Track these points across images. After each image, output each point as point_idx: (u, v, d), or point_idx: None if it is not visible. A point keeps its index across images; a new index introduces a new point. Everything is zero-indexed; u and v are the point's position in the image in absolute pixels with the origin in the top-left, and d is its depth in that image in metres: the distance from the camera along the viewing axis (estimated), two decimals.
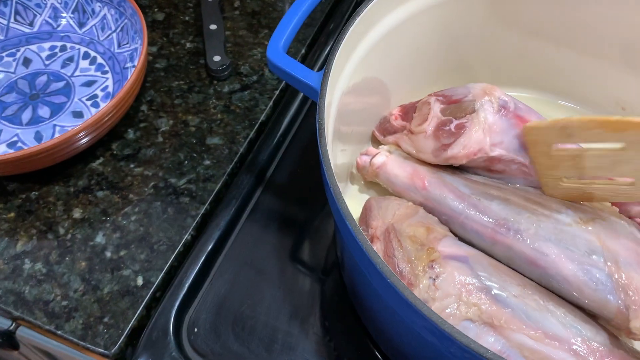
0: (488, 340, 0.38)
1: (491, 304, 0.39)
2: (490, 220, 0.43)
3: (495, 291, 0.40)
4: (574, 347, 0.38)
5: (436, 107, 0.48)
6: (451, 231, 0.45)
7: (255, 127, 0.58)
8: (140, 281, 0.48)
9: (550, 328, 0.39)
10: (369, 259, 0.32)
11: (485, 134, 0.45)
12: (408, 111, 0.52)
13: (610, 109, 0.56)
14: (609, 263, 0.40)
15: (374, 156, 0.50)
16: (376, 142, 0.55)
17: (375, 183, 0.51)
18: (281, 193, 0.55)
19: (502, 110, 0.46)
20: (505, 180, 0.47)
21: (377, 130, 0.53)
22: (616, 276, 0.40)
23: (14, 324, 0.61)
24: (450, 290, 0.40)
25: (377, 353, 0.46)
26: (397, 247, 0.43)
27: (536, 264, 0.42)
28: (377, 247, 0.44)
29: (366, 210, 0.48)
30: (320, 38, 0.67)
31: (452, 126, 0.47)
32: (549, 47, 0.55)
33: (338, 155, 0.47)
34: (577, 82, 0.57)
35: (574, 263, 0.41)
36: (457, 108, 0.47)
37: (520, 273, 0.42)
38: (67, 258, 0.50)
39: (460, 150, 0.46)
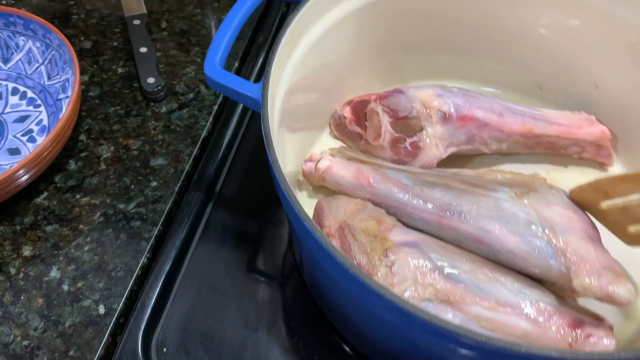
0: (447, 317, 0.41)
1: (445, 282, 0.42)
2: (435, 207, 0.46)
3: (447, 270, 0.43)
4: (525, 310, 0.41)
5: (386, 121, 0.52)
6: (401, 220, 0.48)
7: (198, 144, 0.59)
8: (102, 309, 0.48)
9: (501, 297, 0.42)
10: (329, 253, 0.34)
11: (438, 146, 0.51)
12: (359, 114, 0.55)
13: (530, 91, 0.60)
14: (546, 231, 0.44)
15: (318, 161, 0.52)
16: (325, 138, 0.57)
17: (322, 187, 0.53)
18: (232, 205, 0.56)
19: (445, 119, 0.50)
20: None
21: (334, 127, 0.56)
22: (554, 242, 0.43)
23: None
24: (406, 274, 0.42)
25: (344, 346, 0.48)
26: (352, 241, 0.44)
27: (482, 241, 0.45)
28: (334, 244, 0.46)
29: (318, 211, 0.49)
30: (252, 51, 0.68)
31: (407, 145, 0.52)
32: (469, 41, 0.58)
33: (285, 164, 0.48)
34: (498, 70, 0.61)
35: (515, 236, 0.44)
36: (406, 126, 0.52)
37: (470, 251, 0.45)
38: (22, 297, 0.49)
39: (420, 165, 0.52)
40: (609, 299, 0.42)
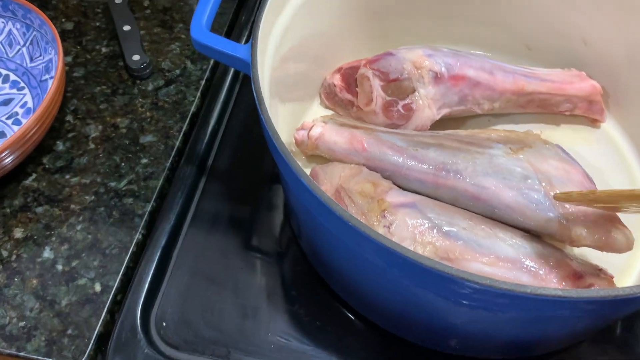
0: None
1: (444, 239, 0.42)
2: (430, 166, 0.45)
3: (445, 228, 0.42)
4: (525, 264, 0.41)
5: (377, 85, 0.51)
6: (396, 183, 0.47)
7: (187, 120, 0.58)
8: (98, 287, 0.48)
9: (501, 252, 0.42)
10: (328, 208, 0.33)
11: (431, 107, 0.51)
12: (349, 81, 0.54)
13: (519, 51, 0.60)
14: (543, 184, 0.43)
15: (310, 129, 0.51)
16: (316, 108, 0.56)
17: (316, 156, 0.53)
18: (226, 179, 0.55)
19: (437, 79, 0.49)
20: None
21: (324, 96, 0.55)
22: (552, 194, 0.43)
23: None
24: (405, 234, 0.42)
25: (346, 311, 0.47)
26: (350, 203, 0.44)
27: (479, 198, 0.44)
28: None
29: (313, 178, 0.49)
30: (241, 14, 0.67)
31: (400, 107, 0.51)
32: (457, 4, 0.58)
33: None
34: (487, 32, 0.60)
35: (512, 190, 0.44)
36: (398, 88, 0.51)
37: (465, 207, 0.45)
38: (15, 279, 0.48)
39: (414, 128, 0.51)
40: (607, 247, 0.42)
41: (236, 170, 0.56)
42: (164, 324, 0.46)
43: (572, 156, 0.46)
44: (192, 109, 0.59)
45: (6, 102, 0.58)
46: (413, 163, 0.46)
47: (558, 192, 0.43)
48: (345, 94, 0.54)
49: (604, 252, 0.46)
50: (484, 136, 0.48)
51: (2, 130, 0.56)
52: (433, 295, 0.37)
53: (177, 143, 0.56)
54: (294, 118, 0.55)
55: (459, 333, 0.42)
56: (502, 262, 0.41)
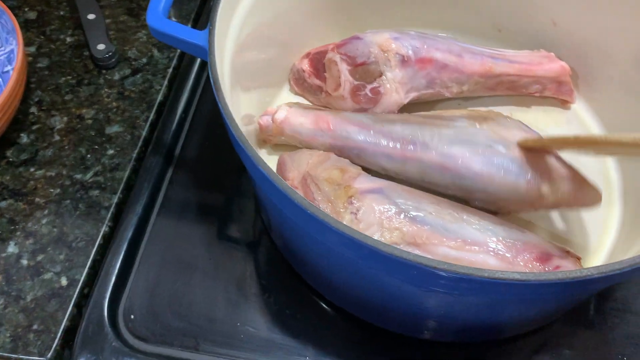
0: None
1: (411, 224, 0.41)
2: (397, 141, 0.45)
3: (412, 213, 0.42)
4: (492, 247, 0.41)
5: (344, 69, 0.50)
6: (364, 163, 0.47)
7: (154, 109, 0.57)
8: (64, 281, 0.47)
9: (468, 235, 0.42)
10: (291, 200, 0.33)
11: (399, 91, 0.50)
12: (317, 66, 0.53)
13: (489, 33, 0.60)
14: (510, 149, 0.43)
15: (275, 113, 0.50)
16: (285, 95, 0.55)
17: (282, 146, 0.52)
18: (193, 169, 0.54)
19: (404, 62, 0.49)
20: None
21: (293, 82, 0.54)
22: (519, 158, 0.43)
23: None
24: (372, 220, 0.42)
25: (317, 300, 0.47)
26: (316, 190, 0.44)
27: (447, 168, 0.44)
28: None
29: (280, 165, 0.48)
30: (209, 1, 0.66)
31: (368, 91, 0.50)
32: None
33: (241, 121, 0.47)
34: (456, 14, 0.60)
35: (479, 157, 0.43)
36: (365, 72, 0.50)
37: (435, 183, 0.45)
38: None
39: (382, 111, 0.51)
40: (577, 201, 0.42)
41: (204, 159, 0.55)
42: (132, 316, 0.46)
43: (535, 131, 0.46)
44: (159, 97, 0.58)
45: None
46: (380, 139, 0.46)
47: (524, 156, 0.43)
48: (314, 80, 0.54)
49: (572, 234, 0.46)
50: (448, 115, 0.48)
51: None
52: (399, 282, 0.37)
53: (144, 133, 0.55)
54: (261, 106, 0.54)
55: (430, 319, 0.42)
56: (469, 245, 0.41)
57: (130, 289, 0.47)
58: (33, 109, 0.57)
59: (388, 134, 0.45)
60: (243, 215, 0.52)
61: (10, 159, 0.53)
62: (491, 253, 0.41)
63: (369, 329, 0.45)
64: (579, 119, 0.56)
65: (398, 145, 0.45)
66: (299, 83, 0.55)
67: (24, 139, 0.55)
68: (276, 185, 0.33)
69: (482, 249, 0.41)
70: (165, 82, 0.59)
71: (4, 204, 0.51)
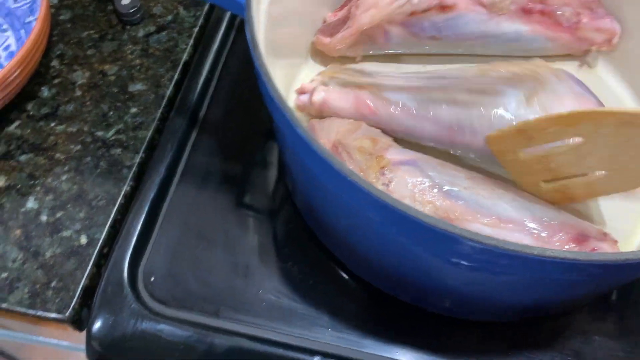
0: None
1: (444, 199, 0.40)
2: (444, 127, 0.43)
3: (446, 187, 0.41)
4: (527, 225, 0.40)
5: None
6: (409, 140, 0.45)
7: (179, 68, 0.55)
8: (84, 240, 0.46)
9: (502, 213, 0.40)
10: (326, 161, 0.31)
11: None
12: (343, 7, 0.51)
13: None
14: None
15: (311, 93, 0.48)
16: (316, 56, 0.53)
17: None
18: (218, 132, 0.53)
19: None
20: (456, 29, 0.48)
21: (321, 34, 0.52)
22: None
23: None
24: (404, 192, 0.40)
25: (339, 271, 0.46)
26: (348, 159, 0.42)
27: None
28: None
29: (311, 132, 0.47)
30: None
31: None
32: None
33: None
34: None
35: None
36: None
37: (482, 168, 0.43)
38: None
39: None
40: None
41: (229, 123, 0.53)
42: (152, 278, 0.45)
43: (585, 86, 0.44)
44: (185, 57, 0.56)
45: None
46: (426, 124, 0.45)
47: None
48: (340, 13, 0.51)
49: (608, 218, 0.45)
50: (495, 76, 0.45)
51: None
52: (432, 256, 0.35)
53: (168, 92, 0.54)
54: (287, 74, 0.52)
55: (455, 294, 0.41)
56: (504, 223, 0.40)
57: (151, 251, 0.46)
58: (55, 63, 0.55)
59: (434, 119, 0.44)
60: (266, 181, 0.51)
61: (31, 113, 0.52)
62: (526, 231, 0.40)
63: (388, 301, 0.44)
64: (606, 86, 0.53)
65: (445, 131, 0.43)
66: (325, 31, 0.52)
67: (45, 92, 0.53)
68: (316, 150, 0.31)
69: (517, 227, 0.40)
70: (191, 42, 0.57)
71: (23, 157, 0.50)
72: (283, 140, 0.41)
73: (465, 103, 0.43)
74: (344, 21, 0.51)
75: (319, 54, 0.53)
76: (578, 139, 0.38)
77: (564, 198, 0.43)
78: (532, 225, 0.40)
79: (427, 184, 0.41)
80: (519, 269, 0.30)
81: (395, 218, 0.31)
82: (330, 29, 0.52)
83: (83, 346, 0.62)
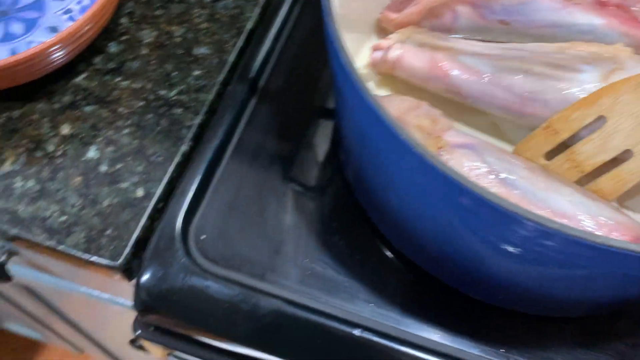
0: None
1: (500, 186, 0.40)
2: (516, 95, 0.43)
3: (503, 175, 0.40)
4: (582, 222, 0.39)
5: None
6: (474, 106, 0.45)
7: (244, 35, 0.56)
8: (140, 193, 0.47)
9: (558, 206, 0.39)
10: (383, 121, 0.31)
11: None
12: None
13: None
14: None
15: (387, 50, 0.48)
16: (380, 33, 0.53)
17: (389, 80, 0.50)
18: (277, 103, 0.53)
19: None
20: (526, 15, 0.47)
21: (388, 10, 0.51)
22: None
23: (5, 256, 0.59)
24: None
25: (385, 250, 0.46)
26: None
27: None
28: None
29: None
30: None
31: None
32: None
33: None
34: None
35: None
36: None
37: None
38: (60, 174, 0.48)
39: None
40: None
41: (287, 95, 0.54)
42: (203, 236, 0.46)
43: None
44: (250, 25, 0.56)
45: None
46: (498, 91, 0.44)
47: None
48: None
49: None
50: (573, 53, 0.45)
51: (57, 26, 0.55)
52: (487, 239, 0.35)
53: (232, 58, 0.54)
54: (353, 43, 0.52)
55: (510, 286, 0.41)
56: (558, 217, 0.39)
57: (203, 211, 0.47)
58: (123, 20, 0.56)
59: (507, 87, 0.43)
60: (317, 156, 0.51)
61: (98, 67, 0.53)
62: (580, 226, 0.39)
63: (438, 286, 0.44)
64: None
65: (517, 100, 0.43)
66: (393, 6, 0.51)
67: (113, 48, 0.55)
68: (382, 118, 0.31)
69: (571, 222, 0.39)
70: (258, 10, 0.57)
71: (88, 109, 0.51)
72: (344, 108, 0.41)
73: (540, 75, 0.43)
74: None
75: (383, 32, 0.53)
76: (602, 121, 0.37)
77: None
78: (586, 222, 0.39)
79: (484, 169, 0.40)
80: (592, 260, 0.30)
81: (457, 192, 0.31)
82: (398, 5, 0.52)
83: (123, 300, 0.64)
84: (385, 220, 0.45)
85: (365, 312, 0.43)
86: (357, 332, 0.42)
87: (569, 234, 0.28)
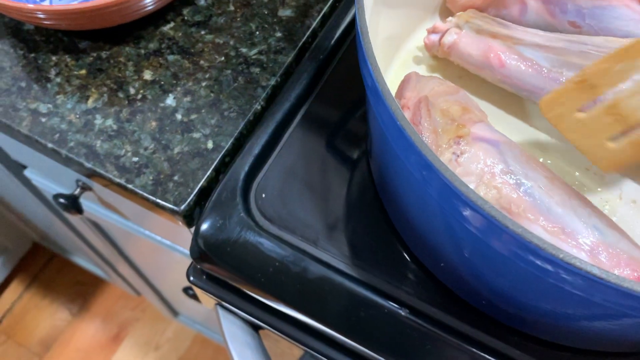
0: None
1: (513, 190, 0.37)
2: None
3: (520, 179, 0.37)
4: (591, 247, 0.35)
5: None
6: (527, 99, 0.43)
7: (329, 2, 0.55)
8: (210, 144, 0.48)
9: (570, 225, 0.36)
10: (392, 115, 0.30)
11: None
12: None
13: None
14: None
15: (443, 34, 0.47)
16: (443, 14, 0.52)
17: (443, 65, 0.48)
18: (350, 75, 0.53)
19: None
20: (601, 21, 0.45)
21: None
22: None
23: (79, 189, 0.62)
24: (472, 169, 0.37)
25: (404, 253, 0.45)
26: (425, 116, 0.39)
27: None
28: (405, 115, 0.42)
29: (404, 83, 0.44)
30: None
31: None
32: None
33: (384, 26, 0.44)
34: None
35: None
36: None
37: None
38: (137, 117, 0.50)
39: None
40: None
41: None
42: (263, 195, 0.47)
43: None
44: None
45: None
46: (555, 87, 0.41)
47: None
48: None
49: None
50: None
51: None
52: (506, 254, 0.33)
53: (314, 24, 0.54)
54: (412, 20, 0.50)
55: (519, 305, 0.38)
56: (566, 235, 0.35)
57: (266, 171, 0.48)
58: None
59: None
60: None
61: (186, 18, 0.55)
62: (587, 251, 0.35)
63: (448, 295, 0.43)
64: None
65: None
66: None
67: (202, 1, 0.56)
68: (385, 101, 0.31)
69: (578, 243, 0.35)
70: None
71: (171, 57, 0.53)
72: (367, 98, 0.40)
73: (597, 71, 0.40)
74: None
75: (446, 13, 0.52)
76: None
77: None
78: (596, 247, 0.35)
79: (500, 168, 0.37)
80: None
81: (450, 196, 0.30)
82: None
83: (181, 248, 0.66)
84: (402, 221, 0.44)
85: (413, 293, 0.43)
86: (404, 312, 0.42)
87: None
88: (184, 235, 0.59)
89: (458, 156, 0.38)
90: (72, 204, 0.63)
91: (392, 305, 0.42)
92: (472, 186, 0.36)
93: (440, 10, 0.53)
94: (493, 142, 0.39)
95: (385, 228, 0.46)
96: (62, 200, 0.63)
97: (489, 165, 0.37)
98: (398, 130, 0.32)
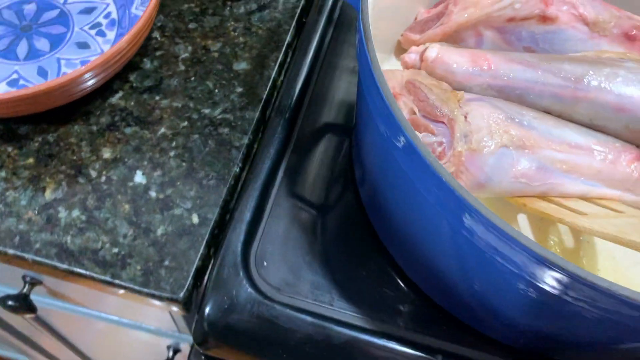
0: (524, 163, 0.39)
1: (519, 128, 0.40)
2: (568, 79, 0.42)
3: (518, 118, 0.40)
4: (595, 150, 0.41)
5: None
6: (524, 104, 0.44)
7: (283, 50, 0.54)
8: (195, 219, 0.45)
9: (571, 139, 0.41)
10: (391, 111, 0.30)
11: None
12: (438, 4, 0.50)
13: None
14: None
15: (424, 50, 0.46)
16: (399, 54, 0.52)
17: None
18: (323, 114, 0.51)
19: None
20: (553, 44, 0.47)
21: (410, 31, 0.50)
22: None
23: (28, 286, 0.56)
24: (481, 123, 0.39)
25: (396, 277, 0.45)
26: (428, 91, 0.41)
27: (624, 109, 0.41)
28: (403, 103, 0.42)
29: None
30: None
31: None
32: None
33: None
34: None
35: None
36: None
37: (606, 127, 0.42)
38: (106, 202, 0.45)
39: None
40: None
41: (334, 104, 0.52)
42: (265, 263, 0.44)
43: None
44: (288, 38, 0.54)
45: (88, 11, 0.53)
46: (548, 77, 0.42)
47: None
48: (433, 11, 0.50)
49: None
50: (614, 57, 0.45)
51: (85, 41, 0.52)
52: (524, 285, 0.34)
53: (274, 74, 0.52)
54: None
55: (535, 331, 0.40)
56: (574, 149, 0.40)
57: (261, 236, 0.45)
58: (156, 34, 0.54)
59: (557, 72, 0.42)
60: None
61: (134, 85, 0.50)
62: (594, 155, 0.40)
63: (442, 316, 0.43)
64: None
65: (569, 84, 0.41)
66: (416, 27, 0.50)
67: (148, 64, 0.52)
68: (387, 102, 0.31)
69: (585, 151, 0.40)
70: (294, 23, 0.55)
71: (129, 130, 0.48)
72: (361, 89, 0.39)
73: (588, 62, 0.42)
74: (438, 17, 0.50)
75: (402, 53, 0.52)
76: None
77: None
78: (598, 148, 0.41)
79: (501, 115, 0.40)
80: None
81: (460, 205, 0.31)
82: (421, 26, 0.50)
83: (145, 325, 0.61)
84: (396, 243, 0.44)
85: (444, 337, 0.42)
86: (439, 358, 0.41)
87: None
88: (147, 310, 0.54)
89: (465, 117, 0.40)
90: (23, 304, 0.56)
91: (426, 356, 0.41)
92: (486, 137, 0.39)
93: (395, 51, 0.53)
94: (480, 99, 0.41)
95: (392, 267, 0.45)
96: (10, 302, 0.55)
97: (491, 116, 0.40)
98: (421, 161, 0.31)
